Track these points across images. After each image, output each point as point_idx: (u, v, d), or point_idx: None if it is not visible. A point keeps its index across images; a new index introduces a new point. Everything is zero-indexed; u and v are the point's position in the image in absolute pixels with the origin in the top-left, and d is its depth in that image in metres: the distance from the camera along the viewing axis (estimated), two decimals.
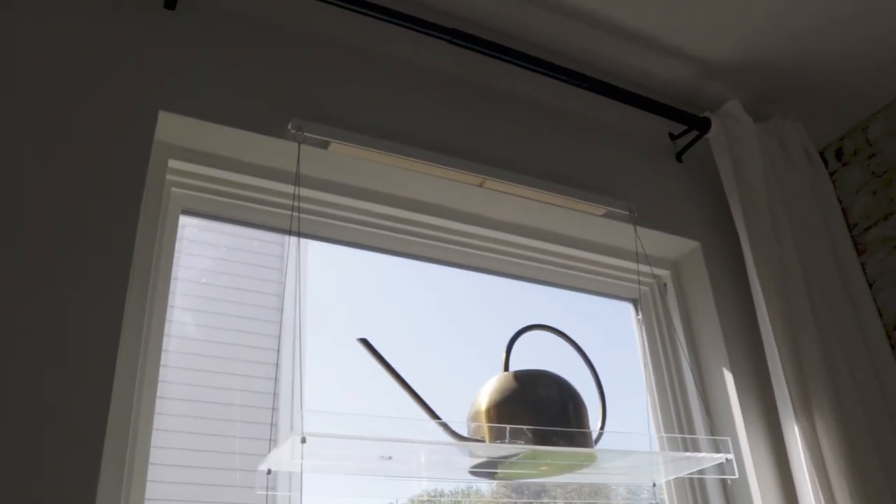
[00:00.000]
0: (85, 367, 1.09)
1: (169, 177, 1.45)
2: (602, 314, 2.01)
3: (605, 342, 1.86)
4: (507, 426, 1.26)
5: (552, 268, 1.85)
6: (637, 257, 1.86)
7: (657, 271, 1.93)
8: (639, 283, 1.92)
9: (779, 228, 1.79)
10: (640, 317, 1.94)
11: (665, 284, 1.94)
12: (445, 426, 1.31)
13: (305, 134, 1.45)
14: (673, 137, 2.02)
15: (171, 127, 1.39)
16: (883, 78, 2.08)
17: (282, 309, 1.42)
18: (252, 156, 1.49)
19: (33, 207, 1.16)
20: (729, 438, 1.59)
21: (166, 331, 1.37)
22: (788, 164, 1.94)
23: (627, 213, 1.78)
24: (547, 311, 1.95)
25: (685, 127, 1.96)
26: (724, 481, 1.69)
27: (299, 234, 1.53)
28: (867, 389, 1.70)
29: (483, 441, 1.31)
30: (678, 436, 1.63)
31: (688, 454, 1.41)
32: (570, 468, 1.37)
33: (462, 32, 1.65)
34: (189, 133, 1.42)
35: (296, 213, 1.50)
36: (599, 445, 1.40)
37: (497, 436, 1.29)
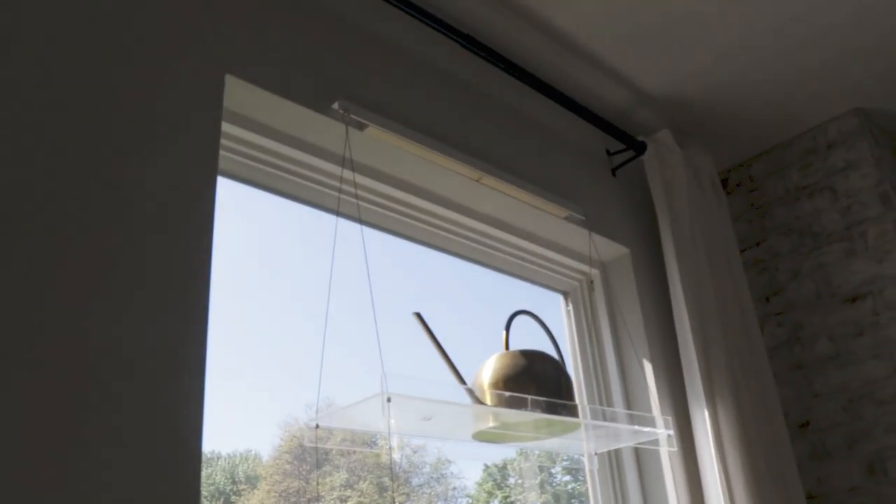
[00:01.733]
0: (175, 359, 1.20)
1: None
2: (533, 303, 2.31)
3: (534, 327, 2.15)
4: (528, 396, 1.51)
5: (502, 255, 2.11)
6: (591, 260, 2.17)
7: (588, 269, 2.25)
8: (590, 277, 2.23)
9: (696, 246, 2.17)
10: (569, 308, 2.25)
11: (592, 282, 2.27)
12: (471, 393, 1.53)
13: (351, 115, 1.60)
14: (609, 154, 2.35)
15: (230, 91, 1.48)
16: (769, 127, 2.54)
17: (329, 284, 1.56)
18: (294, 129, 1.60)
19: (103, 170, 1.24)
20: (671, 417, 1.95)
21: None
22: (700, 190, 2.33)
23: (583, 217, 2.08)
24: (490, 296, 2.22)
25: (622, 146, 2.29)
26: (637, 453, 2.05)
27: (360, 221, 1.67)
28: (752, 384, 2.12)
29: (497, 408, 1.55)
30: (634, 413, 1.95)
31: (641, 428, 1.74)
32: (561, 433, 1.64)
33: (474, 39, 1.86)
34: (241, 98, 1.51)
35: (344, 196, 1.64)
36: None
37: (514, 404, 1.53)
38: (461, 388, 1.52)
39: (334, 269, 1.53)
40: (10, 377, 0.98)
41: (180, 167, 1.28)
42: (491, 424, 1.58)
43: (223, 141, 1.53)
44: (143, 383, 1.09)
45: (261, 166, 1.60)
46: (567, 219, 2.05)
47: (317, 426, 1.39)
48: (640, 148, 2.27)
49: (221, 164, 1.55)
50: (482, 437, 1.62)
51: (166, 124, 1.29)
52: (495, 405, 1.55)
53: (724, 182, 2.72)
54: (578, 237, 2.14)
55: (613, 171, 2.34)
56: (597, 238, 2.16)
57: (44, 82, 1.16)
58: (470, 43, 1.85)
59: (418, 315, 1.47)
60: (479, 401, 1.53)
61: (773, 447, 2.08)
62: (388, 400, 1.27)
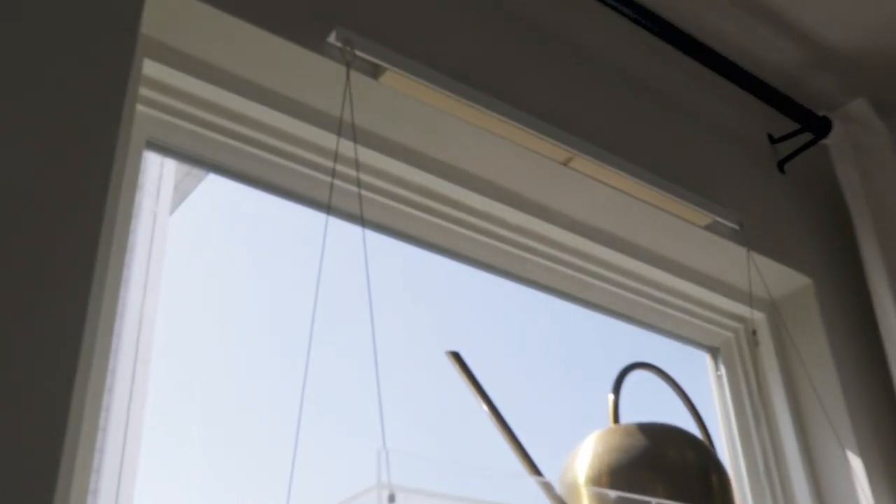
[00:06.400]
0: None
1: (141, 90, 1.07)
2: (663, 363, 1.72)
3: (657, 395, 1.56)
4: (653, 500, 0.94)
5: (606, 287, 1.54)
6: (751, 295, 1.59)
7: (749, 312, 1.66)
8: (751, 324, 1.65)
9: None
10: (720, 371, 1.65)
11: (754, 332, 1.67)
12: (549, 489, 0.98)
13: (356, 53, 1.12)
14: (773, 141, 1.77)
15: (156, 9, 1.02)
16: None
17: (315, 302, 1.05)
18: (266, 75, 1.13)
19: None
20: None
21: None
22: None
23: (737, 227, 1.50)
24: (595, 351, 1.64)
25: (796, 127, 1.71)
26: None
27: (361, 222, 1.17)
28: None
29: None
30: None
31: None
32: None
33: None
34: (179, 21, 1.04)
35: (339, 182, 1.16)
36: None
37: None
38: (535, 480, 0.98)
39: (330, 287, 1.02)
40: None
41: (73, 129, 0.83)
42: None
43: (145, 90, 1.07)
44: None
45: (208, 132, 1.14)
46: (709, 229, 1.49)
47: None
48: (822, 128, 1.68)
49: (151, 129, 1.10)
50: None
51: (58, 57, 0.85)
52: None
53: None
54: (731, 261, 1.58)
55: (780, 165, 1.76)
56: (760, 262, 1.57)
57: None
58: None
59: (455, 355, 0.94)
60: (558, 499, 0.98)
61: None
62: (392, 499, 0.80)
